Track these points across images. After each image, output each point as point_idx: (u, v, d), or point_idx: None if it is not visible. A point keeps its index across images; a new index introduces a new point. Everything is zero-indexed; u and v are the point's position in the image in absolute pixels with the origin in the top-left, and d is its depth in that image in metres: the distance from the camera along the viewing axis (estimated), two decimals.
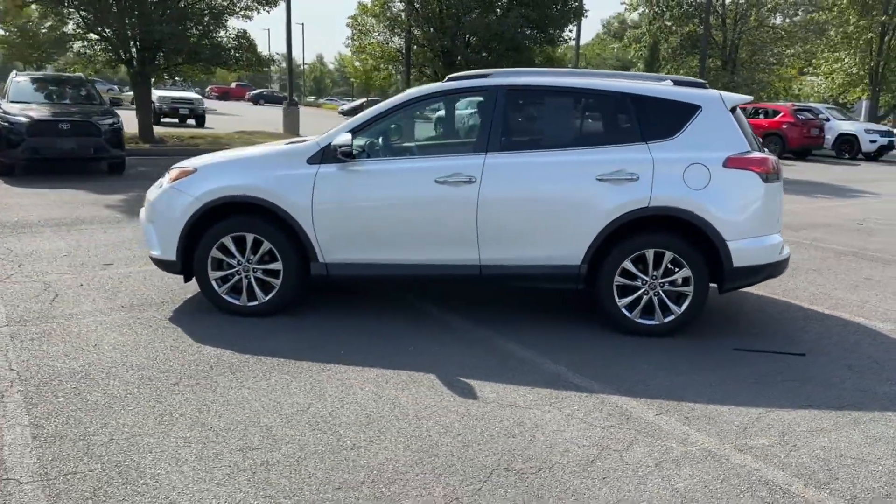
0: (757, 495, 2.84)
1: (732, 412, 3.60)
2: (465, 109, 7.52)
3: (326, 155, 4.69)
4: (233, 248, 4.77)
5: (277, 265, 4.77)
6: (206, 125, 24.94)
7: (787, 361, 4.35)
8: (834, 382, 4.05)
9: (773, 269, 4.75)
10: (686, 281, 4.61)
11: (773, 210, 4.71)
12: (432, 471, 2.94)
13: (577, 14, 22.75)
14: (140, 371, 3.84)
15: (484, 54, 20.32)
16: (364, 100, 47.78)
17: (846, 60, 38.73)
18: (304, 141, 5.00)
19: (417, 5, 20.62)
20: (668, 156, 4.55)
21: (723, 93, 4.77)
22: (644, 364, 4.21)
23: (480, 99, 4.98)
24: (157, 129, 18.32)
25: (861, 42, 37.06)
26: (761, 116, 23.51)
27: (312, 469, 2.91)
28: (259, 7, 18.22)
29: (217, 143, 17.17)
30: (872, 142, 24.49)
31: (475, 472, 2.93)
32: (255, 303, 4.84)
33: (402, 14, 20.80)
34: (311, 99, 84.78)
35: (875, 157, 24.51)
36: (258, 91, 62.77)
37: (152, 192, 5.06)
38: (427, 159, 4.89)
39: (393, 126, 5.06)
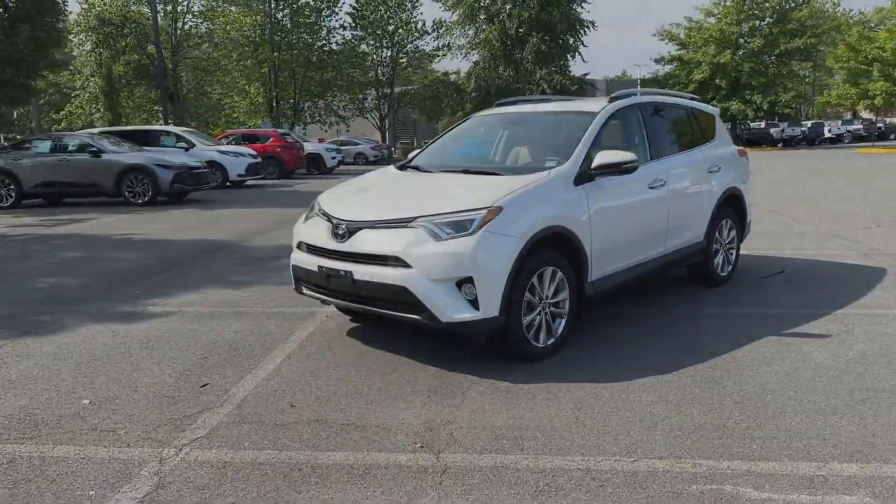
0: None
1: (862, 302, 5.69)
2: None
3: (583, 175, 4.67)
4: (537, 286, 4.29)
5: (563, 294, 4.51)
6: None
7: (786, 275, 6.67)
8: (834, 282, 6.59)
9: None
10: (734, 239, 6.45)
11: None
12: None
13: (60, 39, 19.98)
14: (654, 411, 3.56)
15: None
16: None
17: (252, 91, 43.72)
18: (542, 168, 4.72)
19: None
20: (721, 151, 6.30)
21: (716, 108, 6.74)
22: (775, 296, 5.92)
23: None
24: None
25: (258, 76, 42.42)
26: (257, 143, 24.64)
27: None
28: None
29: None
30: (333, 158, 28.98)
31: None
32: (553, 339, 4.46)
33: None
34: None
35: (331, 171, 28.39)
36: None
37: (440, 247, 3.96)
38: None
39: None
